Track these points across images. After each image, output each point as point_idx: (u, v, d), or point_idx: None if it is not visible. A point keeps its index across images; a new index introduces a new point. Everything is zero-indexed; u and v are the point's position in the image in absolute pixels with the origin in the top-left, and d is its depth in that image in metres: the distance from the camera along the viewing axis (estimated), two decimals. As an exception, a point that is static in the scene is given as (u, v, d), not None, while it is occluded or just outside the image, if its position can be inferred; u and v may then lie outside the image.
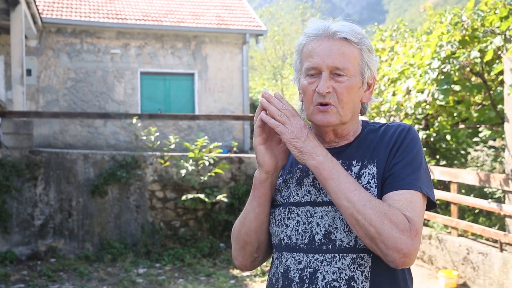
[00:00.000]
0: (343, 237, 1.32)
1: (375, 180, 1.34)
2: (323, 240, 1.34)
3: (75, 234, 7.32)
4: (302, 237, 1.37)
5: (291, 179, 1.45)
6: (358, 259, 1.31)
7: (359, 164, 1.37)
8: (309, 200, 1.39)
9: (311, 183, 1.40)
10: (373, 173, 1.35)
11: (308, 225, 1.37)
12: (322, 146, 1.33)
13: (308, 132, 1.32)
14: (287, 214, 1.41)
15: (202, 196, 7.19)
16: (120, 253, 7.07)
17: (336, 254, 1.32)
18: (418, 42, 7.49)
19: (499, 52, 5.52)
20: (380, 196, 1.32)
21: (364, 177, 1.35)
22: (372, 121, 1.54)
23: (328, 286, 1.30)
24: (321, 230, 1.35)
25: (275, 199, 1.46)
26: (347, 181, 1.28)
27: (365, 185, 1.33)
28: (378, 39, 9.56)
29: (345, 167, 1.37)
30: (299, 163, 1.44)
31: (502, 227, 6.31)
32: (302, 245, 1.37)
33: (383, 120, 7.66)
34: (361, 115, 1.48)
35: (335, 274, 1.31)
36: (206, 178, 7.49)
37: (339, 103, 1.34)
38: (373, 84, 1.43)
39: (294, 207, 1.40)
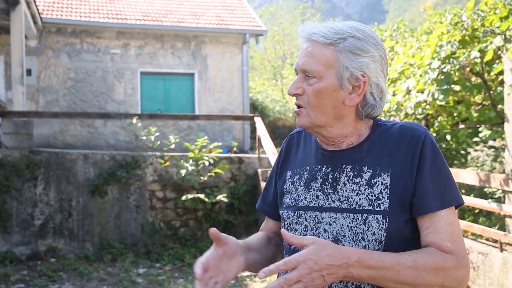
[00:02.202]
0: (351, 246, 1.30)
1: (388, 191, 1.30)
2: None
3: (75, 234, 7.32)
4: None
5: (298, 181, 1.43)
6: None
7: (370, 170, 1.33)
8: (317, 205, 1.36)
9: (319, 188, 1.37)
10: (386, 183, 1.30)
11: (315, 231, 1.35)
12: (337, 263, 1.17)
13: (315, 267, 1.14)
14: (296, 218, 1.39)
15: (202, 196, 7.19)
16: (120, 253, 7.07)
17: None
18: (418, 42, 7.48)
19: (499, 52, 5.51)
20: (393, 205, 1.29)
21: (377, 187, 1.31)
22: (384, 119, 1.47)
23: None
24: (328, 237, 1.32)
25: (284, 201, 1.45)
26: (386, 269, 1.21)
27: (377, 195, 1.30)
28: (378, 39, 9.54)
29: (355, 173, 1.34)
30: (306, 165, 1.43)
31: (502, 227, 6.31)
32: None
33: (383, 120, 7.64)
34: (365, 118, 1.39)
35: (343, 282, 1.29)
36: (206, 178, 7.49)
37: (308, 106, 1.34)
38: (363, 86, 1.34)
39: (302, 212, 1.38)
